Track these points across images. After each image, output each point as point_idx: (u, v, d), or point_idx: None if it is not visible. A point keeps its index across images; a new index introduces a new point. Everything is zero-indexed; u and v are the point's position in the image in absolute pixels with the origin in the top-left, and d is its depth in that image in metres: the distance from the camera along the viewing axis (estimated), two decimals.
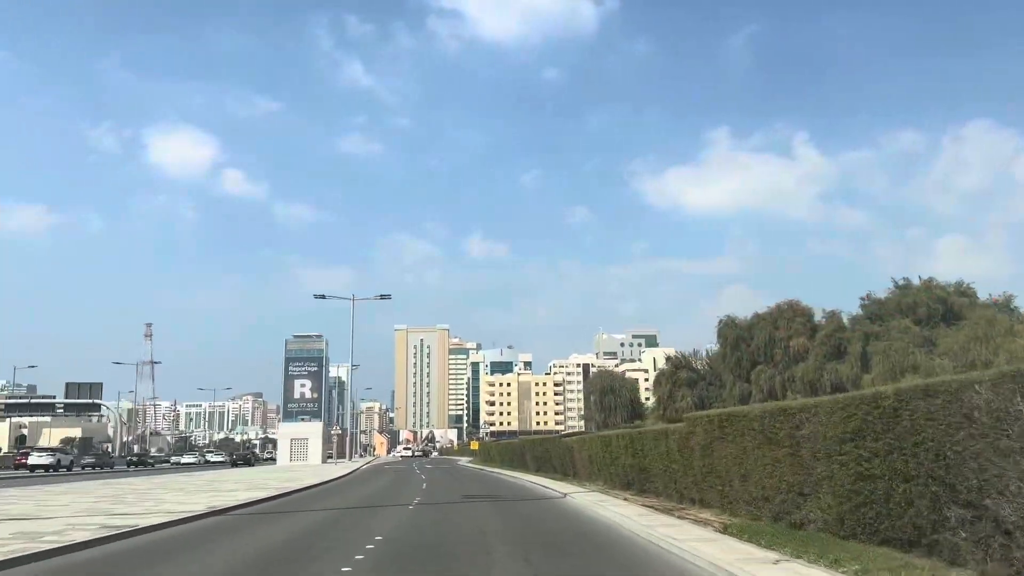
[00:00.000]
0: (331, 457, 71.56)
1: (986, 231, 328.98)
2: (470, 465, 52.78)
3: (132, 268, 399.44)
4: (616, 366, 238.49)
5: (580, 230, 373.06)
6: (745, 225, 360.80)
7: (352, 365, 67.29)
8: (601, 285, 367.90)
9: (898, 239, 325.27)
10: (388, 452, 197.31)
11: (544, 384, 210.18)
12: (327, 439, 69.46)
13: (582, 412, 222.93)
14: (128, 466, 78.48)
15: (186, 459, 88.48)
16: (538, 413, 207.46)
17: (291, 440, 66.22)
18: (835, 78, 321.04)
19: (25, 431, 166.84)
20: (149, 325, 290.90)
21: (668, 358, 57.84)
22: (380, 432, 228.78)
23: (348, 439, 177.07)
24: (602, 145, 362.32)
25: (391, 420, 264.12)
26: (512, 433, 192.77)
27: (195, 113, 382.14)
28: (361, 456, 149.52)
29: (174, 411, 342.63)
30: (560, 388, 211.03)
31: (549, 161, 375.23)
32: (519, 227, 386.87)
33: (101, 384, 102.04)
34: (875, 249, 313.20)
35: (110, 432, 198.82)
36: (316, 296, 64.60)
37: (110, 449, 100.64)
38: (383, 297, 66.42)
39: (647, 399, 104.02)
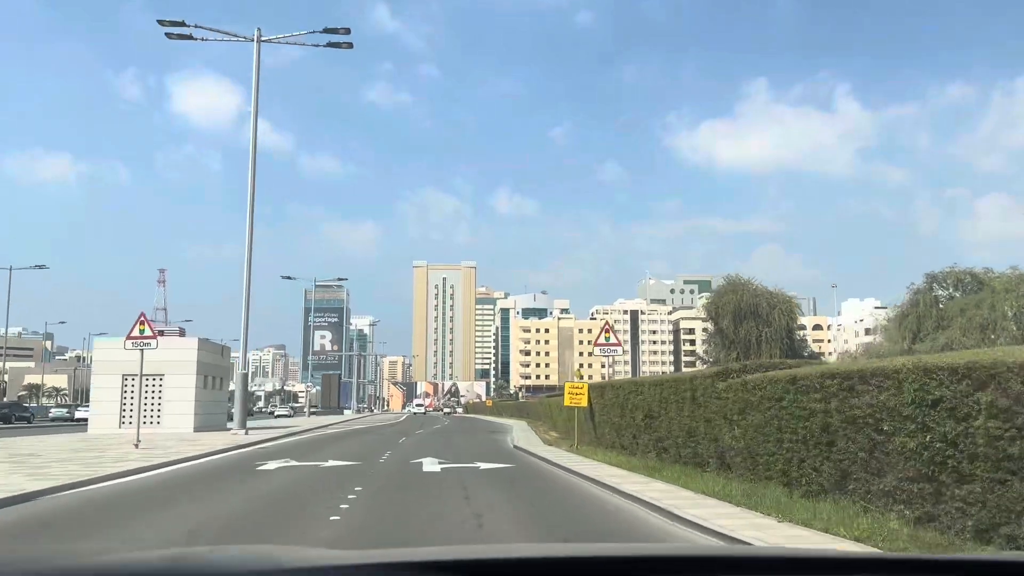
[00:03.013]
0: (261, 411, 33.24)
1: None
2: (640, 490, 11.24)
3: (158, 218, 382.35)
4: (669, 312, 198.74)
5: (611, 186, 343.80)
6: (781, 182, 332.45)
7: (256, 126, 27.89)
8: (631, 243, 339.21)
9: (937, 199, 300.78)
10: (403, 406, 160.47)
11: (589, 330, 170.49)
12: (216, 381, 30.05)
13: (635, 357, 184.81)
14: None
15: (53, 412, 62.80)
16: (581, 365, 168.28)
17: (123, 378, 27.71)
18: (883, 25, 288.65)
19: (6, 378, 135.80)
20: (163, 271, 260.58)
21: None
22: (395, 384, 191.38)
23: (338, 389, 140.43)
24: (636, 97, 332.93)
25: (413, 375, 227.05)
26: (551, 388, 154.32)
27: (218, 59, 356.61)
28: (366, 411, 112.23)
29: None
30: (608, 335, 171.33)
31: (581, 114, 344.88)
32: (548, 182, 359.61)
33: None
34: (914, 210, 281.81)
35: None
36: (168, 34, 25.35)
37: None
38: (332, 42, 26.95)
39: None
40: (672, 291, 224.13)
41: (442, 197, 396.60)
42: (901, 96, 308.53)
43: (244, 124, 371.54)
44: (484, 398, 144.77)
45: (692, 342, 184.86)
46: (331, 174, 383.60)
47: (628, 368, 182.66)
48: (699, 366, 61.87)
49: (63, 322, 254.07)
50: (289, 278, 64.13)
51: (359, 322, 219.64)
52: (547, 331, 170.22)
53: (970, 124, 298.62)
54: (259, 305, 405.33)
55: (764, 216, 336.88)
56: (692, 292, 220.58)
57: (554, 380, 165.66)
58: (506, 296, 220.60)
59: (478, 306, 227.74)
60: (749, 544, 7.03)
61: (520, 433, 30.36)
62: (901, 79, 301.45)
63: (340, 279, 65.11)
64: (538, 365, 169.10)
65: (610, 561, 1.92)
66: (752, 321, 53.76)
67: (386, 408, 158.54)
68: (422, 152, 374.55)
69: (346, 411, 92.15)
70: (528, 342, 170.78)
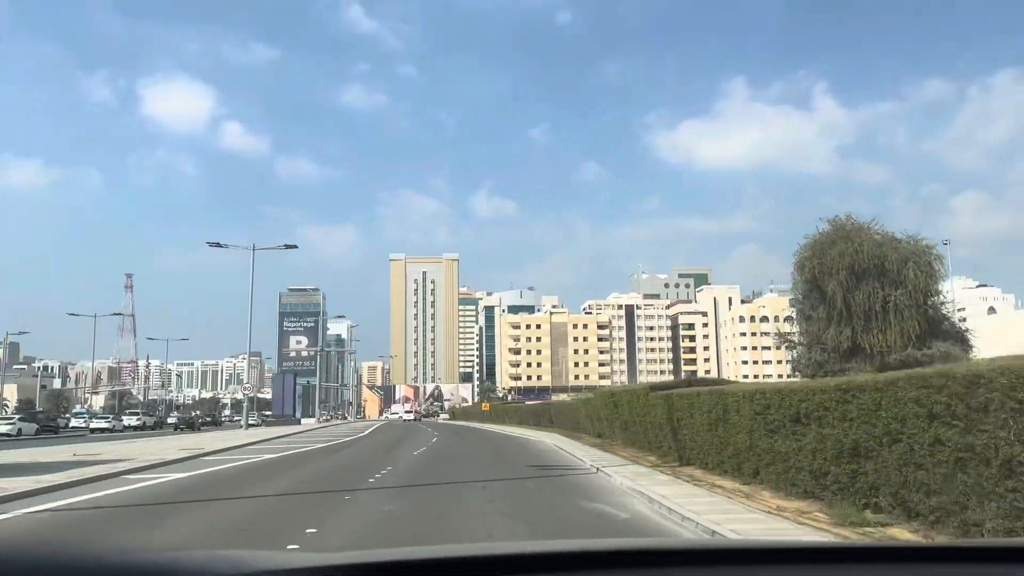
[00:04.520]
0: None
1: (1007, 188, 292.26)
2: None
3: (131, 224, 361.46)
4: (667, 307, 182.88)
5: (591, 187, 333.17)
6: (760, 181, 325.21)
7: None
8: (611, 244, 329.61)
9: (914, 196, 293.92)
10: (380, 412, 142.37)
11: (585, 325, 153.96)
12: None
13: (642, 358, 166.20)
14: None
15: None
16: (577, 364, 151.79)
17: None
18: (860, 23, 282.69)
19: None
20: (129, 276, 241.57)
21: None
22: (370, 389, 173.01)
23: (293, 393, 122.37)
24: (615, 97, 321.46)
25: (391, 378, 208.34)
26: (543, 390, 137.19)
27: (190, 61, 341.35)
28: (339, 419, 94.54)
29: (147, 368, 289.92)
30: (606, 331, 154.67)
31: (560, 114, 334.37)
32: (528, 184, 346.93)
33: None
34: (892, 207, 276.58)
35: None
36: None
37: None
38: None
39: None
40: (667, 285, 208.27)
41: (421, 199, 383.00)
42: (879, 93, 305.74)
43: (216, 127, 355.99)
44: (471, 401, 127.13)
45: (692, 337, 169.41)
46: (308, 177, 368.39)
47: (624, 367, 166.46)
48: (785, 352, 44.00)
49: (26, 332, 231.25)
50: (218, 245, 47.24)
51: (336, 327, 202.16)
52: (539, 327, 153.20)
53: (947, 121, 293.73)
54: (234, 311, 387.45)
55: (744, 215, 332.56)
56: (688, 286, 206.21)
57: (547, 380, 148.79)
58: (490, 294, 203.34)
59: (460, 307, 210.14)
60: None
61: (626, 480, 13.07)
62: (878, 76, 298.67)
63: (289, 246, 47.90)
64: (529, 364, 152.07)
65: (564, 557, 1.82)
66: (875, 281, 35.91)
67: (360, 415, 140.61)
68: (400, 154, 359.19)
69: (308, 420, 74.25)
70: (518, 339, 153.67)
